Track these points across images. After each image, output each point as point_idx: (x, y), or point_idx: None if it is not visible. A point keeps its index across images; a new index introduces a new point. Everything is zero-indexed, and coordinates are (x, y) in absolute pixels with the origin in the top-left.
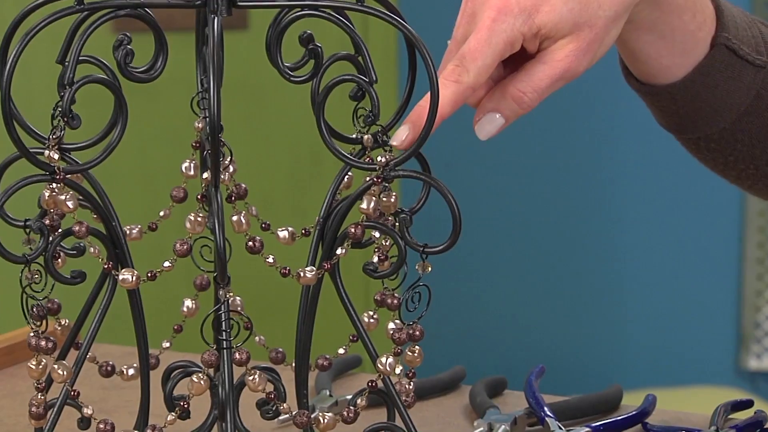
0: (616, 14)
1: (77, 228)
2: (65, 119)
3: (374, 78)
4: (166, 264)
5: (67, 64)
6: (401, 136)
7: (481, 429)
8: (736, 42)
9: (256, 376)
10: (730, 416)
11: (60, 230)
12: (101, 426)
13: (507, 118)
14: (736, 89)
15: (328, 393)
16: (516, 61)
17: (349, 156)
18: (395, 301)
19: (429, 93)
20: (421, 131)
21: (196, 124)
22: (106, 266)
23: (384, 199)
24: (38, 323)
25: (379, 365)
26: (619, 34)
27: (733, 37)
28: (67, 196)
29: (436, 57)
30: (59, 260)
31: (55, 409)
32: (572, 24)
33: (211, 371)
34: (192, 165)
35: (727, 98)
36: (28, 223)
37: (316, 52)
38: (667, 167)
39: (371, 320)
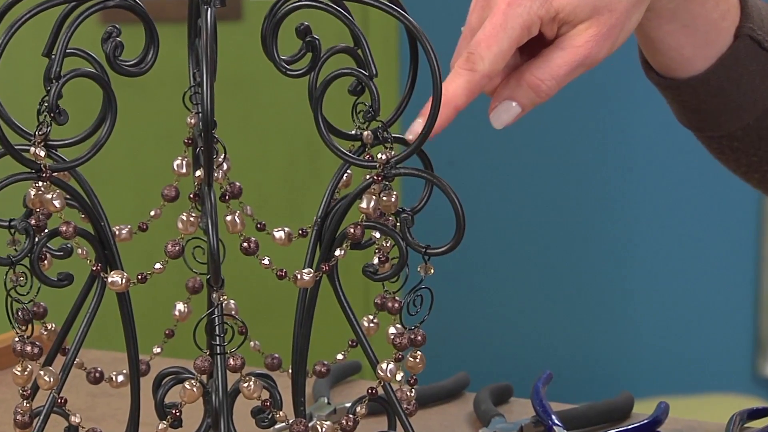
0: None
1: (64, 228)
2: (52, 115)
3: (374, 71)
4: (157, 266)
5: (53, 57)
6: (416, 129)
7: None
8: (761, 33)
9: (251, 383)
10: (746, 425)
11: (46, 230)
12: None
13: (524, 106)
14: (761, 83)
15: (326, 400)
16: (533, 47)
17: (348, 153)
18: (396, 305)
19: (444, 83)
20: (436, 122)
21: (189, 119)
22: (94, 268)
23: (384, 198)
24: (24, 327)
25: (379, 371)
26: (640, 23)
27: (758, 28)
28: (54, 195)
29: (439, 49)
30: (45, 262)
31: (41, 417)
32: (592, 8)
33: (204, 378)
34: (184, 162)
35: (752, 92)
36: (12, 223)
37: (313, 44)
38: (680, 165)
39: (371, 324)
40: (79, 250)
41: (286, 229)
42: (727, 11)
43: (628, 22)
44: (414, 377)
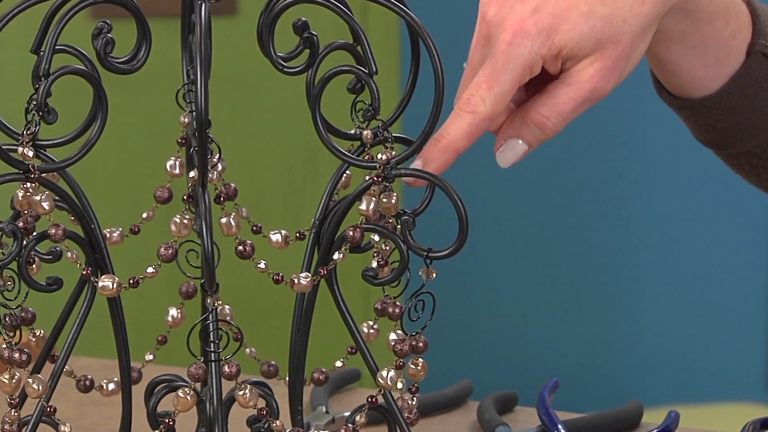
0: (643, 28)
1: (53, 231)
2: (40, 113)
3: (374, 69)
4: (150, 270)
5: (42, 53)
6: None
7: None
8: None
9: (247, 391)
10: None
11: (35, 233)
12: None
13: (530, 144)
14: None
15: (324, 409)
16: (538, 81)
17: (347, 153)
18: (397, 310)
19: (444, 125)
20: (435, 166)
21: (182, 118)
22: (84, 272)
23: (384, 199)
24: (11, 334)
25: (379, 379)
26: (648, 47)
27: None
28: (43, 197)
29: (441, 45)
30: (34, 266)
31: (30, 427)
32: (595, 42)
33: (198, 386)
34: (177, 163)
35: (767, 109)
36: (0, 225)
37: (311, 40)
38: (691, 168)
39: (371, 331)
40: (69, 254)
41: (283, 231)
42: (738, 29)
43: (634, 53)
44: (415, 385)
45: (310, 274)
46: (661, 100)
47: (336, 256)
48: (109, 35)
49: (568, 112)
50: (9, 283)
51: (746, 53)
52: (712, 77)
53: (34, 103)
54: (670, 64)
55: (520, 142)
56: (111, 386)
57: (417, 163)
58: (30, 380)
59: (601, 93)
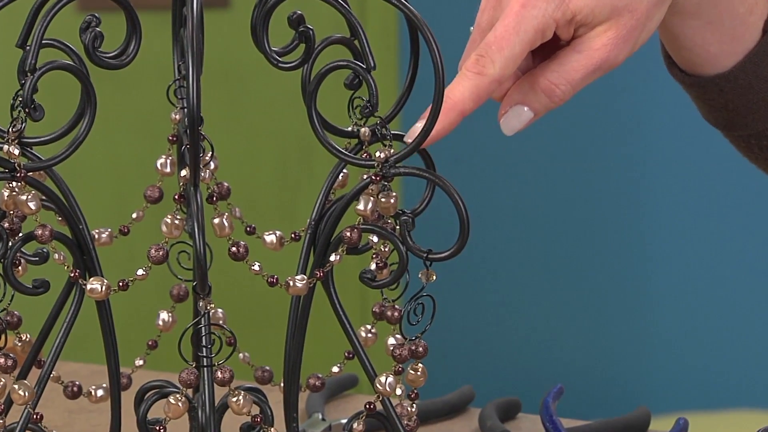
0: None
1: (40, 232)
2: (26, 110)
3: (372, 64)
4: (140, 272)
5: (28, 48)
6: (416, 131)
7: None
8: None
9: (240, 398)
10: None
11: (20, 234)
12: None
13: (536, 111)
14: None
15: (320, 416)
16: (546, 49)
17: (344, 151)
18: (396, 314)
19: (449, 86)
20: (439, 126)
21: (173, 115)
22: (72, 274)
23: (383, 199)
24: None
25: (377, 385)
26: (664, 20)
27: None
28: (29, 196)
29: (441, 40)
30: (20, 268)
31: None
32: (611, 9)
33: (190, 392)
34: (168, 161)
35: None
36: None
37: (307, 34)
38: (702, 164)
39: (369, 335)
40: (56, 255)
41: (278, 232)
42: (755, 4)
43: (650, 23)
44: (415, 391)
45: (305, 277)
46: (667, 96)
47: (333, 257)
48: (98, 29)
49: (577, 80)
50: None
51: (762, 30)
52: (726, 54)
53: (20, 99)
54: (684, 39)
55: (526, 109)
56: (100, 392)
57: (419, 123)
58: (16, 386)
59: (613, 62)
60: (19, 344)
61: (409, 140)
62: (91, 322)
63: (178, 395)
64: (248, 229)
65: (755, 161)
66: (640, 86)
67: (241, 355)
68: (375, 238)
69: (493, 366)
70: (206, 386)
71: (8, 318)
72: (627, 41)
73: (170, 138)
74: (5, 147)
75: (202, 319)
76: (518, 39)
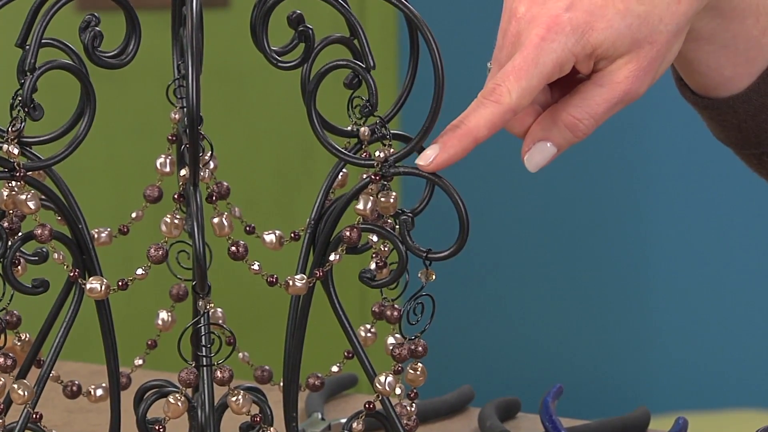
0: (678, 28)
1: (39, 231)
2: (26, 109)
3: (372, 63)
4: (139, 271)
5: (28, 47)
6: (428, 157)
7: None
8: None
9: (240, 397)
10: None
11: (20, 234)
12: None
13: (559, 146)
14: None
15: (320, 416)
16: (564, 82)
17: (343, 151)
18: (395, 313)
19: (464, 113)
20: (452, 152)
21: (173, 115)
22: (71, 274)
23: (382, 198)
24: None
25: (377, 385)
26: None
27: None
28: (28, 196)
29: (441, 40)
30: (19, 267)
31: None
32: (631, 41)
33: (190, 391)
34: (168, 161)
35: None
36: None
37: (306, 34)
38: (702, 164)
39: (368, 334)
40: (56, 255)
41: (277, 232)
42: None
43: (669, 54)
44: (414, 391)
45: (305, 276)
46: (669, 98)
47: (332, 257)
48: (97, 28)
49: (600, 113)
50: None
51: None
52: (740, 76)
53: (20, 98)
54: (698, 63)
55: (549, 144)
56: (99, 392)
57: (433, 148)
58: (15, 386)
59: (635, 95)
60: (19, 344)
61: (420, 162)
62: (90, 322)
63: (177, 395)
64: (248, 228)
65: (766, 177)
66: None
67: (240, 354)
68: (374, 238)
69: (492, 366)
70: (206, 386)
71: (8, 317)
72: (648, 73)
73: (170, 137)
74: (5, 146)
75: (202, 318)
76: (536, 71)
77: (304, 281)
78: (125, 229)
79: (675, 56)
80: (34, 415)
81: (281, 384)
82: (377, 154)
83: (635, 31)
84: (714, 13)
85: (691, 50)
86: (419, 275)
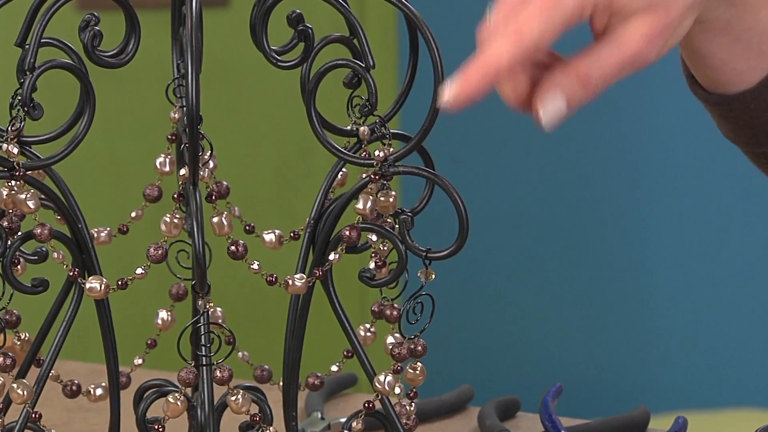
0: (692, 3)
1: (39, 230)
2: (25, 109)
3: (371, 63)
4: (139, 271)
5: (27, 47)
6: (446, 94)
7: None
8: None
9: (240, 397)
10: None
11: (20, 233)
12: None
13: (569, 101)
14: None
15: (319, 415)
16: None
17: (343, 150)
18: (395, 313)
19: (492, 46)
20: (474, 84)
21: (172, 114)
22: (71, 273)
23: (382, 198)
24: None
25: (376, 384)
26: (690, 37)
27: None
28: (28, 195)
29: (440, 39)
30: (19, 267)
31: None
32: (648, 2)
33: (189, 391)
34: (167, 160)
35: None
36: None
37: (306, 33)
38: (702, 164)
39: (368, 334)
40: (55, 254)
41: (277, 231)
42: None
43: (680, 27)
44: (414, 390)
45: (305, 275)
46: (669, 98)
47: (332, 256)
48: (97, 28)
49: (610, 72)
50: None
51: None
52: (752, 70)
53: (19, 98)
54: (710, 56)
55: (560, 96)
56: (99, 391)
57: (452, 86)
58: (14, 385)
59: (645, 60)
60: (18, 343)
61: (444, 98)
62: (90, 321)
63: (177, 394)
64: (247, 228)
65: None
66: (640, 87)
67: (240, 353)
68: (374, 237)
69: (492, 365)
70: (205, 385)
71: (7, 317)
72: (660, 39)
73: (169, 137)
74: (4, 146)
75: (201, 318)
76: (558, 12)
77: (303, 280)
78: (125, 229)
79: (683, 34)
80: (33, 415)
81: (281, 383)
82: (377, 153)
83: None
84: (728, 4)
85: (704, 42)
86: (419, 274)
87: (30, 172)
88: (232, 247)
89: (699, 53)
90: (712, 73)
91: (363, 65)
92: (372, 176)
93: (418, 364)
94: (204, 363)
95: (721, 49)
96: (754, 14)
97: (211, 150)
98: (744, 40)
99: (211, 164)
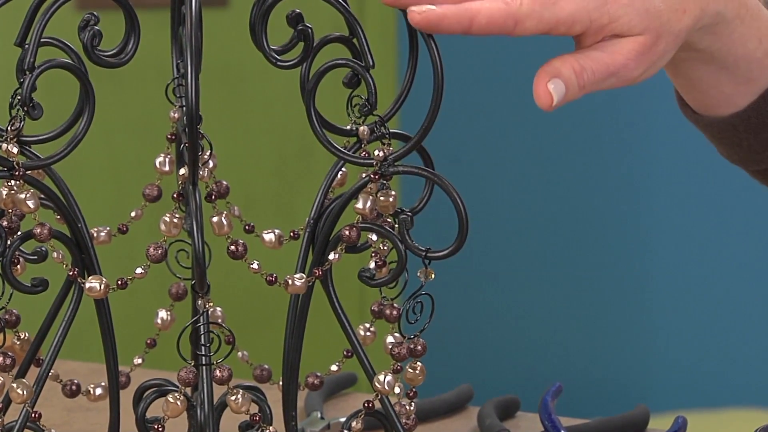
0: (678, 36)
1: (39, 230)
2: (25, 108)
3: (371, 62)
4: (138, 270)
5: (27, 46)
6: (422, 8)
7: None
8: None
9: (239, 396)
10: None
11: (19, 233)
12: None
13: (567, 83)
14: None
15: (319, 415)
16: None
17: (342, 150)
18: (394, 312)
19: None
20: (444, 9)
21: (172, 113)
22: (70, 273)
23: (382, 197)
24: None
25: (376, 384)
26: (677, 65)
27: None
28: (28, 195)
29: (440, 39)
30: (18, 266)
31: None
32: (644, 27)
33: (189, 390)
34: (167, 160)
35: None
36: None
37: (305, 33)
38: (702, 163)
39: (368, 333)
40: (55, 254)
41: (277, 231)
42: None
43: (665, 56)
44: (413, 390)
45: (304, 275)
46: (668, 100)
47: (331, 256)
48: (96, 27)
49: (597, 74)
50: None
51: None
52: (740, 94)
53: (19, 97)
54: (698, 81)
55: (561, 83)
56: (98, 391)
57: (428, 8)
58: (14, 385)
59: (629, 75)
60: (18, 343)
61: (414, 9)
62: (89, 321)
63: (176, 394)
64: (247, 227)
65: None
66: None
67: (239, 353)
68: (374, 237)
69: (491, 364)
70: (205, 385)
71: (7, 316)
72: (646, 59)
73: (169, 136)
74: (4, 145)
75: (201, 317)
76: (552, 9)
77: (303, 280)
78: (124, 228)
79: (667, 60)
80: (33, 414)
81: (280, 383)
82: (376, 153)
83: (652, 18)
84: (713, 38)
85: (691, 69)
86: (418, 274)
87: (29, 171)
88: (232, 247)
89: (687, 78)
90: (701, 96)
91: (363, 65)
92: (372, 176)
93: (418, 363)
94: (204, 363)
95: (708, 75)
96: (743, 45)
97: (211, 150)
98: (731, 68)
99: (211, 164)
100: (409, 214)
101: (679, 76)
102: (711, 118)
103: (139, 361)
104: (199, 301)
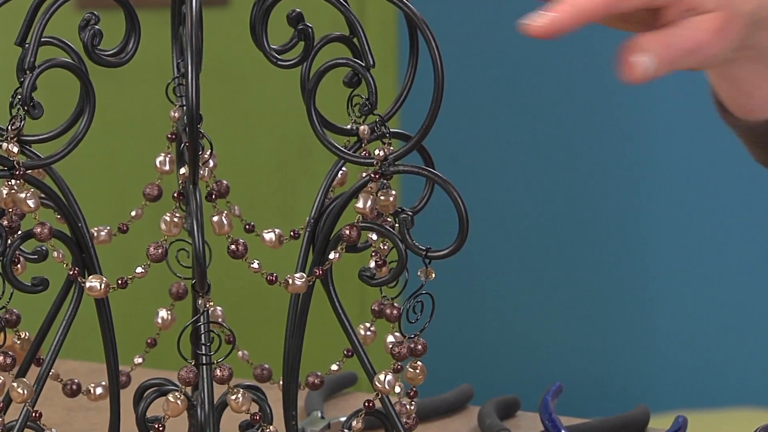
0: (747, 16)
1: (39, 230)
2: (25, 108)
3: (371, 62)
4: (139, 270)
5: (27, 46)
6: (538, 22)
7: None
8: None
9: (240, 396)
10: None
11: (19, 232)
12: None
13: (655, 57)
14: None
15: (319, 414)
16: None
17: (343, 149)
18: (395, 312)
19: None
20: (561, 14)
21: (172, 113)
22: (71, 272)
23: (382, 197)
24: None
25: (376, 383)
26: (727, 63)
27: None
28: (28, 194)
29: (440, 38)
30: (19, 266)
31: None
32: (716, 3)
33: (189, 390)
34: (167, 159)
35: None
36: None
37: (306, 32)
38: (702, 163)
39: (368, 333)
40: (55, 253)
41: (277, 230)
42: None
43: (737, 39)
44: (414, 389)
45: (305, 275)
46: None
47: (332, 255)
48: (97, 27)
49: (675, 52)
50: None
51: None
52: None
53: (19, 97)
54: (744, 82)
55: (649, 58)
56: (99, 390)
57: (548, 14)
58: (14, 384)
59: (706, 53)
60: (18, 342)
61: (530, 23)
62: (90, 320)
63: (177, 393)
64: (247, 227)
65: None
66: (640, 86)
67: (240, 353)
68: (374, 236)
69: (492, 364)
70: (205, 384)
71: (7, 316)
72: (722, 40)
73: (169, 136)
74: (4, 145)
75: (201, 317)
76: None
77: (303, 280)
78: (125, 228)
79: (735, 51)
80: (33, 414)
81: (281, 382)
82: (377, 152)
83: None
84: (765, 33)
85: (740, 67)
86: (419, 273)
87: (30, 171)
88: (232, 246)
89: (733, 79)
90: (744, 99)
91: (363, 64)
92: (372, 175)
93: (418, 363)
94: (204, 362)
95: (755, 75)
96: None
97: (211, 149)
98: None
99: (211, 163)
100: (409, 213)
101: (725, 77)
102: (753, 122)
103: (140, 360)
104: (200, 301)
